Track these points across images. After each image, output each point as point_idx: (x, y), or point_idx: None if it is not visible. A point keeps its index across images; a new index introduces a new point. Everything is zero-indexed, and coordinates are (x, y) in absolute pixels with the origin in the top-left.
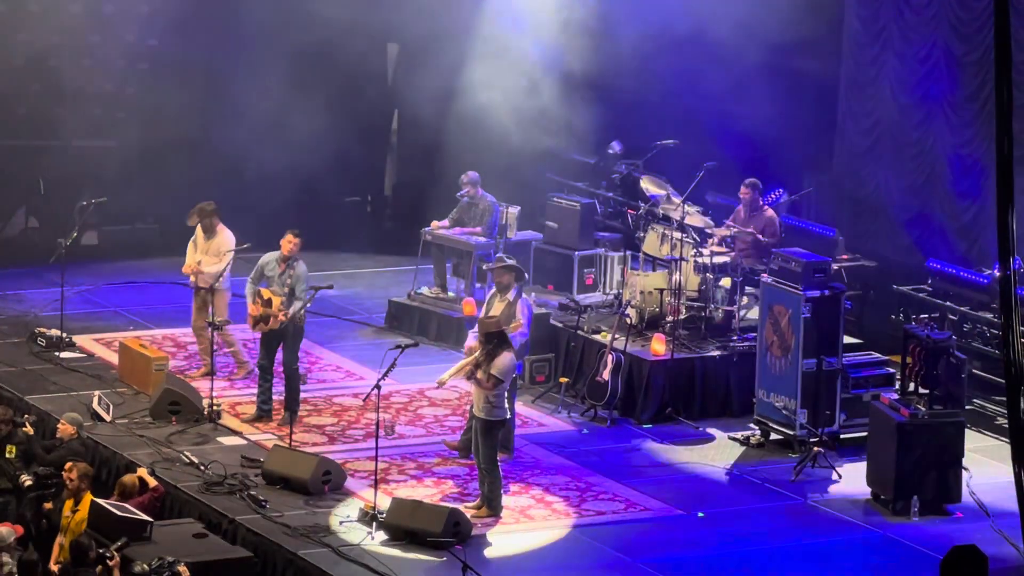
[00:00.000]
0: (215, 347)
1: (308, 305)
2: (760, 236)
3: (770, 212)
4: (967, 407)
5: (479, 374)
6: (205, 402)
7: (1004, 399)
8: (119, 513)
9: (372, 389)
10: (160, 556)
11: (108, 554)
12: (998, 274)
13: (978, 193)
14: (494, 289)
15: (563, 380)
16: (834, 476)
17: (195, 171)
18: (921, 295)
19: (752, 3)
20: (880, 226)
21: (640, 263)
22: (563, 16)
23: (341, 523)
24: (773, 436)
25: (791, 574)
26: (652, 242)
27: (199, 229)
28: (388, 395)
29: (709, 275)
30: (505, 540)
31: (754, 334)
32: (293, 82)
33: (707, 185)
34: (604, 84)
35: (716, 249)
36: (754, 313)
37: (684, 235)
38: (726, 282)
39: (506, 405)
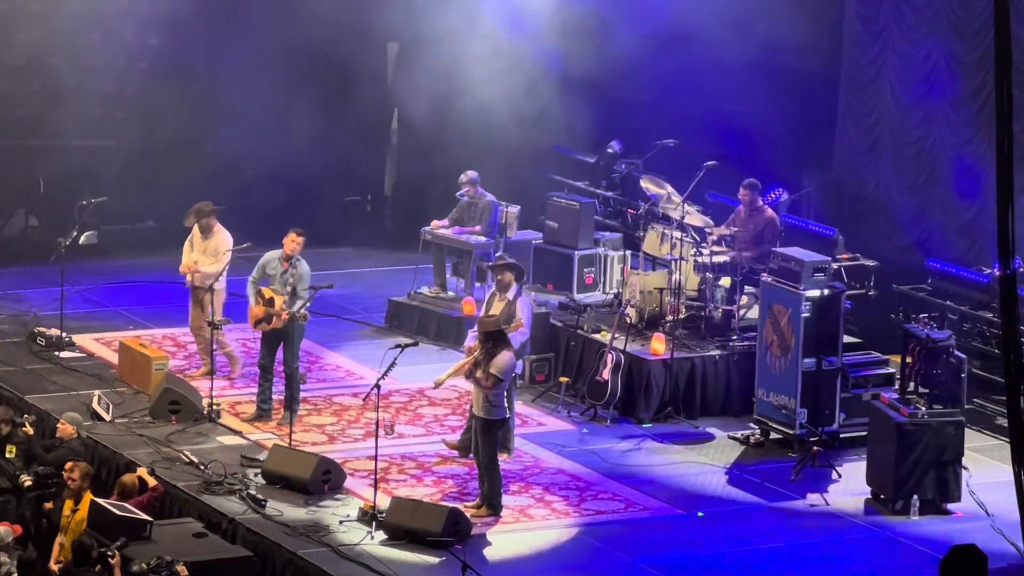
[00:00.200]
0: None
1: (308, 304)
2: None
3: (770, 212)
4: (967, 406)
5: (478, 373)
6: (205, 402)
7: (1004, 399)
8: (119, 513)
9: (372, 388)
10: (158, 556)
11: (109, 552)
12: (998, 273)
13: (978, 193)
14: (494, 288)
15: (563, 379)
16: (834, 475)
17: (195, 171)
18: (921, 294)
19: (752, 3)
20: (880, 226)
21: (640, 262)
22: (562, 16)
23: (341, 523)
24: (773, 435)
25: (791, 574)
26: (652, 241)
27: (196, 229)
28: (388, 394)
29: (709, 274)
30: (505, 539)
31: (754, 333)
32: (293, 81)
33: (707, 185)
34: (603, 84)
35: (715, 249)
36: (754, 312)
37: (684, 235)
38: (726, 281)
39: (506, 404)
